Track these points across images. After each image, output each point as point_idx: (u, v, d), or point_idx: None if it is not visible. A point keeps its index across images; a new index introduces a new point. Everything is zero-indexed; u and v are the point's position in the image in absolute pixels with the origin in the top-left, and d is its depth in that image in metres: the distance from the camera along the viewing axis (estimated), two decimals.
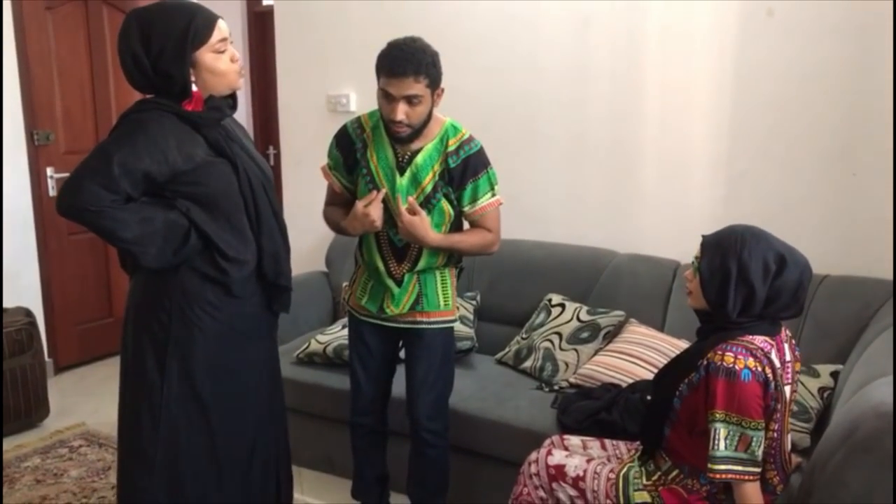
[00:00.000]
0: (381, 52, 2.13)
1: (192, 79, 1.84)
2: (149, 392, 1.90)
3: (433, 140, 2.23)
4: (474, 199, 2.27)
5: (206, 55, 1.83)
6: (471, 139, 2.26)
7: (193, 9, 1.85)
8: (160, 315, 1.88)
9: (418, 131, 2.18)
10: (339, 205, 2.36)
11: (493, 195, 2.29)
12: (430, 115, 2.18)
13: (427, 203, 2.23)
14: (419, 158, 2.22)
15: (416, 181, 2.22)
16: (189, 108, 1.86)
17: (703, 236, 1.86)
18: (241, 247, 1.91)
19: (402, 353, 2.49)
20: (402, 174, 2.22)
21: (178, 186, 1.82)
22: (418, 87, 2.09)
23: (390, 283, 2.28)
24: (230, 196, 1.88)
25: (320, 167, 2.37)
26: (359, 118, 2.32)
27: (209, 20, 1.84)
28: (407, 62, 2.07)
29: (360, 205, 2.19)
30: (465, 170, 2.23)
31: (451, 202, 2.26)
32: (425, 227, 2.17)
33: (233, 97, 1.96)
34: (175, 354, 1.89)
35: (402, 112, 2.10)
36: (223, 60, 1.86)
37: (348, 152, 2.29)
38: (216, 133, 1.87)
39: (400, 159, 2.23)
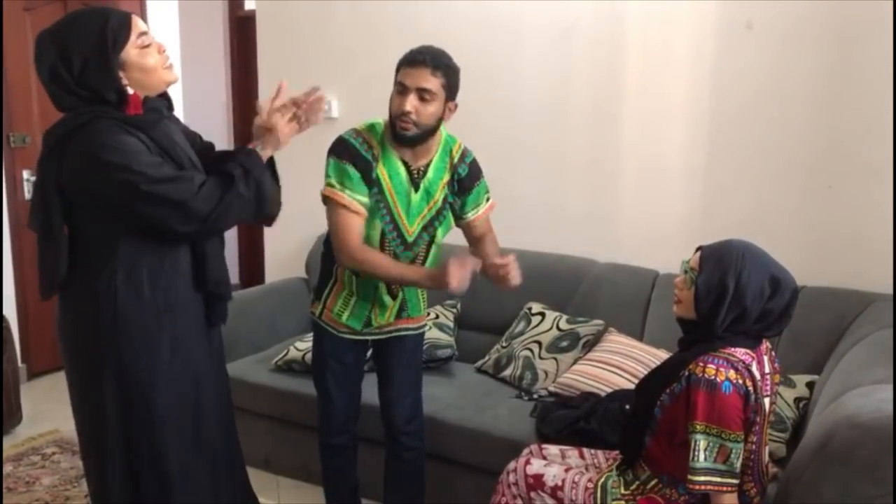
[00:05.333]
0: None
1: (125, 82, 1.77)
2: (90, 416, 1.89)
3: (438, 152, 2.23)
4: (477, 205, 2.32)
5: (130, 53, 1.76)
6: (466, 147, 2.31)
7: (105, 12, 1.78)
8: (90, 345, 1.84)
9: (423, 136, 2.13)
10: (361, 235, 2.14)
11: (489, 199, 2.37)
12: (438, 125, 2.15)
13: (438, 216, 2.24)
14: (430, 172, 2.21)
15: (428, 195, 2.22)
16: (129, 112, 1.79)
17: (701, 248, 1.86)
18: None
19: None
20: (416, 190, 2.19)
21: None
22: (433, 83, 2.08)
23: (387, 298, 2.26)
24: None
25: (324, 192, 2.14)
26: (358, 133, 2.18)
27: (123, 19, 1.77)
28: (427, 54, 2.09)
29: (455, 268, 1.99)
30: (471, 178, 2.29)
31: (452, 210, 2.29)
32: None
33: (167, 98, 1.91)
34: (108, 376, 1.83)
35: (411, 104, 2.06)
36: (150, 55, 1.79)
37: (365, 166, 2.13)
38: (160, 134, 1.81)
39: (414, 175, 2.19)
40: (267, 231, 4.02)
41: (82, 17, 1.77)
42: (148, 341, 1.84)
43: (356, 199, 2.13)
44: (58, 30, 1.76)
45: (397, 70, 2.12)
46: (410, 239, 2.22)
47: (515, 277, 2.10)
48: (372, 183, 2.15)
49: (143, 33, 1.79)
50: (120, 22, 1.76)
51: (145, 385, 1.85)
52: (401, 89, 2.10)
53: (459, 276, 1.99)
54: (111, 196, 1.75)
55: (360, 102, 3.55)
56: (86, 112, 1.74)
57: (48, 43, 1.75)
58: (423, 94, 2.08)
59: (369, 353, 2.45)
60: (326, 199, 2.16)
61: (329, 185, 2.15)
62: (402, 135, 2.11)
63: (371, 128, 2.20)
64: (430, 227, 2.24)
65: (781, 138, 2.79)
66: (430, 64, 2.07)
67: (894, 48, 2.54)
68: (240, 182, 1.80)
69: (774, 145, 2.81)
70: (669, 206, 3.03)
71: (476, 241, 2.37)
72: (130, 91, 1.78)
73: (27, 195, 3.89)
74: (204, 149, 2.01)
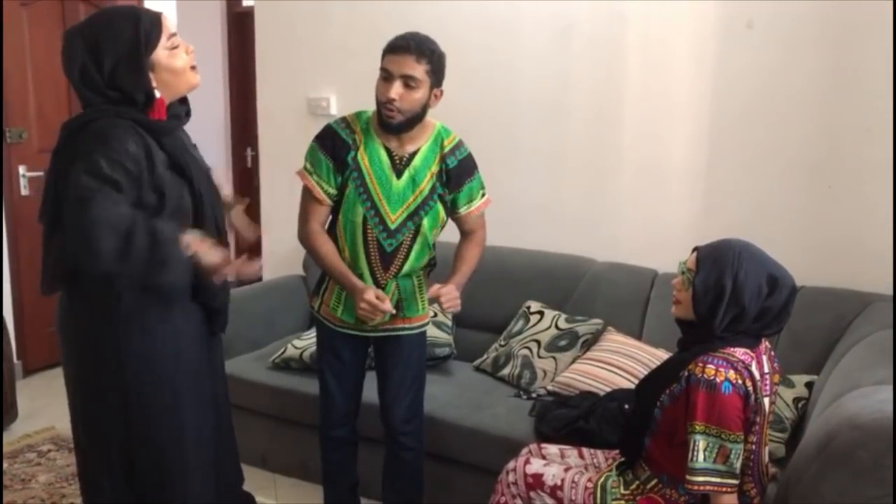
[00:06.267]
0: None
1: (154, 84, 1.75)
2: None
3: (428, 142, 2.23)
4: (470, 200, 2.31)
5: (161, 54, 1.75)
6: (461, 142, 2.29)
7: (136, 12, 1.77)
8: (91, 339, 1.81)
9: (409, 123, 2.14)
10: (321, 221, 2.24)
11: (484, 195, 2.35)
12: (424, 112, 2.16)
13: (424, 206, 2.22)
14: (417, 160, 2.21)
15: (414, 183, 2.21)
16: (153, 116, 1.77)
17: (698, 248, 1.86)
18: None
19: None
20: (399, 177, 2.20)
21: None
22: (418, 70, 2.08)
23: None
24: (174, 212, 1.79)
25: (297, 172, 2.25)
26: (344, 118, 2.24)
27: (155, 19, 1.76)
28: (411, 41, 2.09)
29: (372, 294, 2.12)
30: (462, 171, 2.26)
31: (444, 204, 2.27)
32: (457, 292, 2.18)
33: (186, 104, 1.90)
34: (109, 370, 1.82)
35: (395, 91, 2.07)
36: (179, 56, 1.79)
37: (338, 152, 2.18)
38: (173, 143, 1.80)
39: (397, 162, 2.20)
40: (264, 229, 3.98)
41: (113, 16, 1.75)
42: (149, 335, 1.82)
43: (322, 187, 2.20)
44: (88, 28, 1.74)
45: (382, 56, 2.12)
46: (393, 226, 2.21)
47: (450, 307, 2.15)
48: (349, 168, 2.17)
49: (173, 34, 1.78)
50: (152, 22, 1.75)
51: (145, 380, 1.83)
52: (385, 76, 2.11)
53: (366, 309, 2.13)
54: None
55: (357, 99, 3.49)
56: (108, 109, 1.72)
57: (78, 41, 1.71)
58: (407, 82, 2.08)
59: (371, 350, 2.45)
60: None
61: (304, 167, 2.23)
62: (389, 122, 2.13)
63: (358, 115, 2.24)
64: (415, 216, 2.22)
65: (781, 138, 2.78)
66: (414, 51, 2.07)
67: (894, 48, 2.53)
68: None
69: (774, 145, 2.80)
70: (669, 206, 3.02)
71: (463, 237, 2.38)
72: (158, 94, 1.77)
73: (24, 191, 3.87)
74: None
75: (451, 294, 2.15)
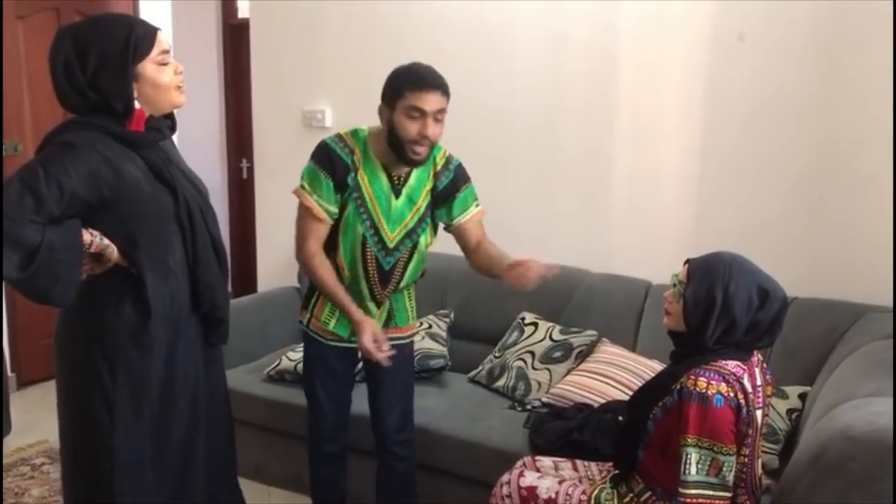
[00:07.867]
0: (403, 71, 2.09)
1: (135, 94, 1.76)
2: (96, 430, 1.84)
3: None
4: (465, 207, 2.30)
5: (147, 67, 1.75)
6: (450, 155, 2.29)
7: (132, 21, 1.78)
8: (85, 346, 1.80)
9: (430, 154, 2.16)
10: (320, 240, 2.19)
11: (478, 205, 2.34)
12: None
13: (421, 223, 2.24)
14: (412, 179, 2.21)
15: (411, 201, 2.21)
16: (130, 127, 1.77)
17: (689, 261, 1.87)
18: (161, 285, 1.81)
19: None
20: (397, 197, 2.20)
21: (107, 216, 1.72)
22: (445, 104, 2.09)
23: (371, 305, 2.27)
24: (164, 224, 1.80)
25: (293, 191, 2.19)
26: (340, 137, 2.20)
27: (150, 31, 1.77)
28: (436, 77, 2.08)
29: (370, 339, 2.09)
30: (456, 181, 2.27)
31: (433, 219, 2.28)
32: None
33: (171, 118, 1.90)
34: (100, 378, 1.80)
35: (433, 130, 2.06)
36: (166, 73, 1.79)
37: (338, 173, 2.14)
38: (154, 155, 1.80)
39: (395, 182, 2.19)
40: (259, 240, 4.01)
41: (109, 21, 1.77)
42: (143, 348, 1.82)
43: (322, 205, 2.15)
44: (82, 27, 1.75)
45: (402, 92, 2.06)
46: (391, 245, 2.21)
47: (532, 281, 2.06)
48: (349, 188, 2.16)
49: (165, 51, 1.79)
50: (146, 33, 1.76)
51: (134, 391, 1.82)
52: (417, 114, 2.06)
53: (369, 348, 2.10)
54: None
55: (352, 111, 3.55)
56: (83, 121, 1.73)
57: (68, 37, 1.72)
58: (437, 116, 2.08)
59: (360, 364, 2.45)
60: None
61: (301, 186, 2.18)
62: (416, 159, 2.11)
63: (354, 133, 2.21)
64: (412, 234, 2.24)
65: (773, 149, 2.80)
66: (441, 86, 2.08)
67: (894, 61, 2.54)
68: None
69: (766, 156, 2.82)
70: (662, 217, 3.04)
71: (476, 248, 2.30)
72: (137, 105, 1.77)
73: None
74: None
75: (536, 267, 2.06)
